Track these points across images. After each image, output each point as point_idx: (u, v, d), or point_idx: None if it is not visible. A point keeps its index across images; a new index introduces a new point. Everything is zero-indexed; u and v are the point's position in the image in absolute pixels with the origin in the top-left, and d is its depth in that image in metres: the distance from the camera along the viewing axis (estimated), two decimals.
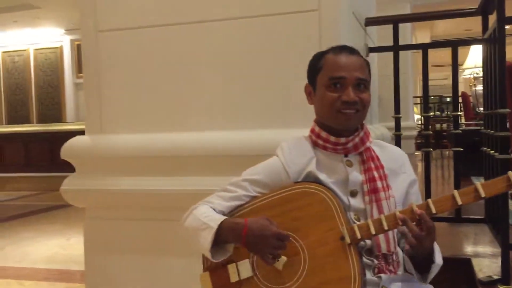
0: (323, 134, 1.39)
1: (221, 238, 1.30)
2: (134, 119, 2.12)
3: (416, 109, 9.05)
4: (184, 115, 2.06)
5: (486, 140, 2.26)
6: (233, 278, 1.33)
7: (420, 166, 6.42)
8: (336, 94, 1.33)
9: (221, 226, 1.30)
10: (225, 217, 1.33)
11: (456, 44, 2.22)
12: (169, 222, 1.85)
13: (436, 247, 1.33)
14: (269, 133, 1.87)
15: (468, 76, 6.48)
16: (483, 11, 2.29)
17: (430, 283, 1.39)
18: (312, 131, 1.44)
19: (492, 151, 2.03)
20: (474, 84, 6.15)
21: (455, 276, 2.05)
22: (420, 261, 1.29)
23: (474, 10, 2.34)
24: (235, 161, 1.75)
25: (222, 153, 1.91)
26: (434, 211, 1.21)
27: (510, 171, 1.17)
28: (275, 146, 1.47)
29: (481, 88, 5.83)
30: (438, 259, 1.31)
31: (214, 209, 1.39)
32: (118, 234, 2.12)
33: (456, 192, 1.19)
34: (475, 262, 2.03)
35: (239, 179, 1.44)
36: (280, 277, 1.29)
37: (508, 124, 3.68)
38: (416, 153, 7.62)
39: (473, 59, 5.96)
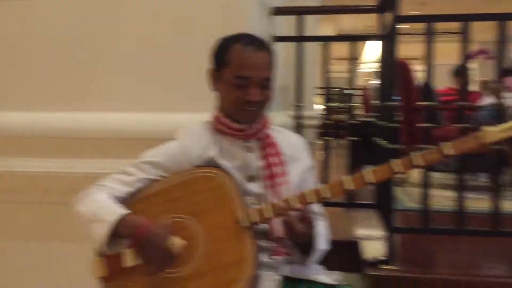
0: (225, 120, 1.41)
1: (115, 231, 1.27)
2: (27, 95, 1.98)
3: (318, 99, 9.38)
4: (82, 95, 1.97)
5: (378, 130, 2.41)
6: (128, 263, 1.31)
7: (320, 154, 6.69)
8: (240, 93, 1.34)
9: (117, 221, 1.26)
10: (123, 212, 1.29)
11: (355, 39, 2.34)
12: (64, 206, 1.76)
13: (322, 233, 1.39)
14: (169, 116, 1.84)
15: (365, 70, 6.85)
16: (381, 9, 2.42)
17: (322, 264, 1.47)
18: (214, 116, 1.44)
19: (381, 141, 2.17)
20: (371, 78, 6.52)
21: (344, 258, 2.17)
22: (302, 246, 1.35)
23: (373, 7, 2.46)
24: (134, 144, 1.69)
25: (121, 136, 1.85)
26: (325, 195, 1.27)
27: (395, 160, 1.26)
28: (175, 129, 1.46)
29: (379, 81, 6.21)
30: (321, 245, 1.37)
31: (112, 195, 1.35)
32: (9, 218, 1.98)
33: (346, 178, 1.26)
34: (363, 244, 2.16)
35: (139, 161, 1.41)
36: (177, 261, 1.29)
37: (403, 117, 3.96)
38: (317, 142, 7.91)
39: (370, 54, 6.30)
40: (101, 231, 1.26)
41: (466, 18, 1.78)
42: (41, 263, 1.98)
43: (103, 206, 1.30)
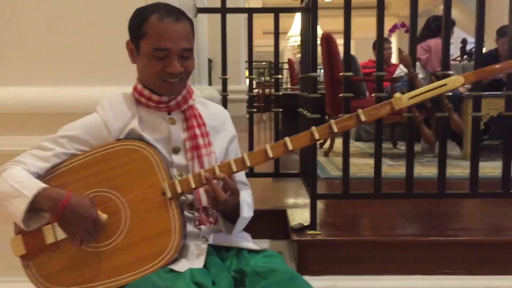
0: (146, 92, 1.39)
1: (35, 206, 1.23)
2: None
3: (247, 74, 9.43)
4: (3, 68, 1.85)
5: (302, 102, 2.47)
6: (49, 239, 1.28)
7: (248, 126, 6.76)
8: (161, 65, 1.32)
9: (37, 195, 1.22)
10: (44, 185, 1.25)
11: (277, 11, 2.36)
12: None
13: (246, 201, 1.42)
14: (88, 90, 1.78)
15: (293, 44, 6.95)
16: None
17: (251, 232, 1.51)
18: (135, 89, 1.42)
19: (305, 111, 2.24)
20: (298, 51, 6.62)
21: (273, 226, 2.24)
22: (228, 214, 1.38)
23: None
24: (51, 119, 1.64)
25: (37, 111, 1.78)
26: (248, 163, 1.29)
27: (313, 127, 1.31)
28: (95, 104, 1.42)
29: None
30: (246, 213, 1.39)
31: (28, 171, 1.30)
32: None
33: (268, 146, 1.29)
34: (289, 212, 2.23)
35: (56, 135, 1.37)
36: (102, 235, 1.28)
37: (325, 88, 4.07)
38: (247, 116, 7.99)
39: (297, 27, 6.38)
40: (20, 206, 1.21)
41: None
42: None
43: (20, 180, 1.25)
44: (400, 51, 1.66)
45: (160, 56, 1.32)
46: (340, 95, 1.95)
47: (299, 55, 6.58)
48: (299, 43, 6.43)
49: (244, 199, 1.40)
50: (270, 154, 1.29)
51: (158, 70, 1.33)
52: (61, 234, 1.28)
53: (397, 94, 1.27)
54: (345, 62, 1.97)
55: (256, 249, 1.38)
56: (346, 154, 1.93)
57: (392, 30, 6.13)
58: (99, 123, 1.37)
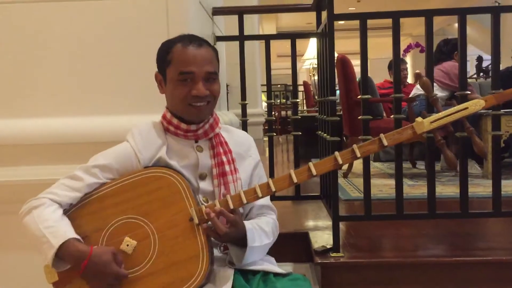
0: (175, 121, 1.43)
1: (61, 256, 1.28)
2: None
3: (264, 97, 9.54)
4: (25, 100, 1.93)
5: (320, 124, 2.50)
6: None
7: (267, 150, 6.80)
8: (186, 89, 1.37)
9: (62, 247, 1.27)
10: (70, 237, 1.29)
11: (294, 37, 2.41)
12: (8, 216, 1.73)
13: (262, 228, 1.43)
14: (118, 119, 1.85)
15: (308, 67, 7.02)
16: (317, 7, 2.52)
17: (273, 255, 1.53)
18: (164, 117, 1.46)
19: (325, 134, 2.27)
20: (313, 74, 6.67)
21: (296, 249, 2.25)
22: (239, 244, 1.38)
23: (309, 6, 2.56)
24: (81, 149, 1.70)
25: (68, 141, 1.85)
26: (273, 189, 1.32)
27: (336, 152, 1.34)
28: (125, 132, 1.47)
29: None
30: (257, 241, 1.39)
31: (60, 204, 1.35)
32: None
33: (292, 172, 1.33)
34: (312, 234, 2.24)
35: (88, 165, 1.41)
36: (130, 261, 1.31)
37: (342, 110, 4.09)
38: (264, 138, 8.05)
39: (312, 50, 6.45)
40: (48, 253, 1.27)
41: (395, 15, 1.89)
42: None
43: (49, 225, 1.30)
44: (419, 76, 1.68)
45: (185, 80, 1.37)
46: (359, 117, 1.98)
47: (315, 78, 6.65)
48: (315, 65, 6.49)
49: (253, 227, 1.41)
50: (295, 180, 1.32)
51: (184, 94, 1.37)
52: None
53: (419, 119, 1.30)
54: (363, 85, 2.00)
55: (282, 272, 1.40)
56: (367, 175, 1.95)
57: (406, 50, 6.15)
58: (129, 152, 1.41)
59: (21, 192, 1.56)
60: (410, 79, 6.98)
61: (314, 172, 1.31)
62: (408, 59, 11.71)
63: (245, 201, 1.33)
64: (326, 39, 2.04)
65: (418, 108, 3.84)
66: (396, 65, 1.94)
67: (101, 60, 1.93)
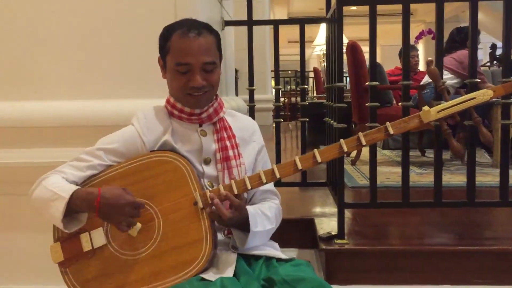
0: (178, 105, 1.44)
1: (73, 208, 1.29)
2: None
3: (274, 83, 9.50)
4: (34, 82, 1.94)
5: (328, 111, 2.49)
6: (86, 247, 1.34)
7: (275, 136, 6.79)
8: (184, 79, 1.37)
9: (73, 196, 1.28)
10: (77, 187, 1.32)
11: (303, 22, 2.39)
12: (17, 197, 1.76)
13: (264, 213, 1.43)
14: (124, 103, 1.85)
15: (318, 53, 6.97)
16: None
17: (279, 240, 1.53)
18: (168, 101, 1.47)
19: (331, 121, 2.26)
20: (324, 60, 6.62)
21: (301, 235, 2.26)
22: (242, 229, 1.39)
23: None
24: (89, 132, 1.71)
25: (76, 124, 1.85)
26: (278, 175, 1.32)
27: (342, 139, 1.33)
28: (130, 116, 1.48)
29: None
30: (260, 226, 1.39)
31: (66, 179, 1.37)
32: None
33: (297, 158, 1.32)
34: (317, 221, 2.25)
35: (93, 148, 1.43)
36: (135, 244, 1.33)
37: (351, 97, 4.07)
38: (273, 124, 8.02)
39: (323, 36, 6.40)
40: (59, 208, 1.27)
41: (405, 0, 1.86)
42: (3, 255, 1.96)
43: (57, 186, 1.32)
44: (428, 64, 1.66)
45: (182, 71, 1.37)
46: (366, 104, 1.97)
47: (324, 64, 6.60)
48: (325, 52, 6.45)
49: (256, 212, 1.41)
50: (300, 166, 1.32)
51: (182, 85, 1.38)
52: (97, 242, 1.33)
53: (426, 108, 1.29)
54: (371, 72, 1.98)
55: (285, 258, 1.40)
56: (373, 163, 1.94)
57: (418, 37, 6.07)
58: (134, 136, 1.42)
59: (26, 174, 1.58)
60: (422, 67, 6.90)
61: (319, 159, 1.31)
62: (421, 46, 11.57)
63: (249, 186, 1.33)
64: (335, 24, 2.03)
65: (429, 96, 3.81)
66: (406, 52, 1.92)
67: (106, 43, 1.93)
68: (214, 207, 1.31)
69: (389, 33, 11.86)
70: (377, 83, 1.92)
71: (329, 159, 1.34)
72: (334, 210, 2.45)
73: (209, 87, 1.40)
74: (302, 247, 2.27)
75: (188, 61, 1.35)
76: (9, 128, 1.88)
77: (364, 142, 1.31)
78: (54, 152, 1.82)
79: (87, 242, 1.33)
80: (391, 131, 1.30)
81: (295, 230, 2.23)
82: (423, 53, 12.49)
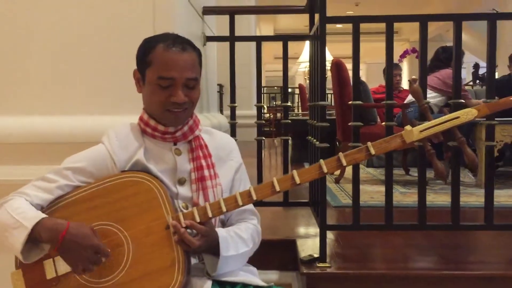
0: (152, 122, 1.37)
1: (35, 236, 1.21)
2: None
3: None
4: (1, 96, 1.85)
5: (311, 129, 2.44)
6: (50, 274, 1.25)
7: (257, 154, 6.75)
8: (165, 94, 1.31)
9: (37, 225, 1.20)
10: (43, 215, 1.23)
11: (286, 39, 2.35)
12: None
13: (239, 235, 1.36)
14: (95, 119, 1.79)
15: (303, 69, 6.96)
16: (310, 10, 2.46)
17: (259, 262, 1.46)
18: (141, 118, 1.40)
19: (314, 140, 2.20)
20: (308, 77, 6.62)
21: (283, 257, 2.19)
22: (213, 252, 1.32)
23: (303, 7, 2.50)
24: (56, 149, 1.64)
25: (42, 140, 1.77)
26: (255, 197, 1.26)
27: (322, 160, 1.27)
28: (102, 133, 1.41)
29: None
30: (230, 251, 1.31)
31: (30, 202, 1.29)
32: None
33: (275, 179, 1.26)
34: (299, 242, 2.18)
35: (60, 167, 1.35)
36: (103, 270, 1.25)
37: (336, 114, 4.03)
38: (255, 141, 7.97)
39: (307, 53, 6.41)
40: (19, 238, 1.19)
41: (389, 19, 1.83)
42: None
43: (20, 211, 1.24)
44: (411, 83, 1.63)
45: (164, 85, 1.30)
46: (349, 123, 1.92)
47: (309, 81, 6.59)
48: (308, 69, 6.44)
49: (228, 235, 1.34)
50: (277, 188, 1.26)
51: (162, 100, 1.31)
52: (61, 269, 1.25)
53: (408, 127, 1.24)
54: (354, 91, 1.94)
55: (263, 285, 1.33)
56: (356, 184, 1.89)
57: (403, 56, 6.09)
58: (104, 155, 1.35)
59: None
60: (405, 85, 6.93)
61: (297, 180, 1.25)
62: (405, 64, 11.67)
63: (224, 209, 1.27)
64: (318, 42, 1.98)
65: (413, 115, 3.79)
66: (389, 70, 1.88)
67: (82, 57, 1.86)
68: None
69: (374, 51, 11.96)
70: (359, 102, 1.88)
71: (308, 180, 1.28)
72: (317, 230, 2.39)
73: (189, 104, 1.34)
74: (283, 269, 2.20)
75: (172, 76, 1.29)
76: None
77: (344, 163, 1.26)
78: (20, 169, 1.73)
79: (51, 268, 1.25)
80: (373, 151, 1.25)
81: (276, 252, 2.16)
82: (406, 72, 12.62)
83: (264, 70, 13.41)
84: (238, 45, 2.38)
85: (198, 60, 1.37)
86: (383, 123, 1.92)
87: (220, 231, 1.33)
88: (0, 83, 1.86)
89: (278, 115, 10.02)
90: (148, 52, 1.33)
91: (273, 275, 2.19)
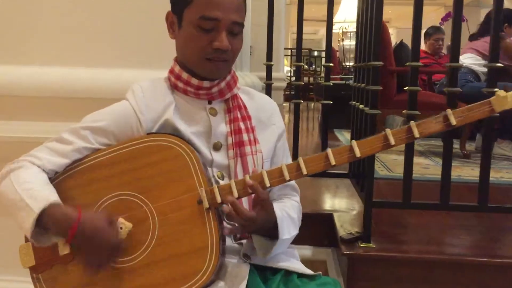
0: (184, 75, 1.16)
1: (43, 224, 1.03)
2: None
3: (286, 61, 9.21)
4: (21, 44, 1.65)
5: (356, 93, 2.20)
6: (63, 250, 1.07)
7: (287, 117, 6.56)
8: (206, 38, 1.10)
9: (44, 212, 1.02)
10: (52, 199, 1.04)
11: None
12: None
13: (290, 215, 1.18)
14: (118, 73, 1.57)
15: (337, 31, 6.62)
16: None
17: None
18: (172, 71, 1.20)
19: (361, 106, 1.97)
20: (342, 39, 6.29)
21: (317, 231, 2.02)
22: (263, 233, 1.13)
23: None
24: (73, 104, 1.45)
25: (58, 94, 1.57)
26: (305, 171, 1.05)
27: (387, 129, 1.05)
28: (124, 88, 1.20)
29: (348, 43, 6.00)
30: (287, 233, 1.14)
31: (42, 168, 1.11)
32: None
33: (329, 151, 1.05)
34: (336, 217, 2.00)
35: (78, 125, 1.16)
36: (124, 248, 1.06)
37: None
38: (284, 104, 7.76)
39: (343, 13, 6.06)
40: (27, 222, 1.01)
41: None
42: None
43: (28, 187, 1.05)
44: (502, 36, 1.37)
45: (206, 28, 1.10)
46: (405, 88, 1.68)
47: (343, 43, 6.28)
48: (345, 29, 6.11)
49: (283, 215, 1.15)
50: (333, 162, 1.04)
51: (203, 45, 1.11)
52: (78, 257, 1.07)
53: (501, 92, 1.00)
54: (413, 51, 1.68)
55: (309, 273, 1.14)
56: (409, 155, 1.67)
57: (444, 19, 5.71)
58: (128, 113, 1.15)
59: (8, 149, 1.34)
60: (446, 50, 6.54)
61: (358, 153, 1.04)
62: (446, 28, 11.14)
63: (268, 184, 1.06)
64: None
65: (472, 85, 3.50)
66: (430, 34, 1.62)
67: (105, 4, 1.64)
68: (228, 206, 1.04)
69: (404, 16, 11.45)
70: (420, 64, 1.63)
71: (370, 153, 1.06)
72: (357, 205, 2.20)
73: (231, 54, 1.14)
74: (317, 245, 2.05)
75: (217, 16, 1.08)
76: None
77: (417, 135, 1.03)
78: (38, 126, 1.55)
79: (65, 244, 1.07)
80: (453, 122, 1.02)
81: (310, 226, 1.96)
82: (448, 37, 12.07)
83: (290, 32, 13.05)
84: (262, 3, 2.10)
85: (244, 4, 1.15)
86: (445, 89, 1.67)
87: (276, 209, 1.13)
88: (17, 29, 1.66)
89: (305, 79, 9.75)
90: None
91: (306, 251, 2.03)
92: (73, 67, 1.63)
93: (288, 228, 1.15)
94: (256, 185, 1.04)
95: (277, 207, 1.15)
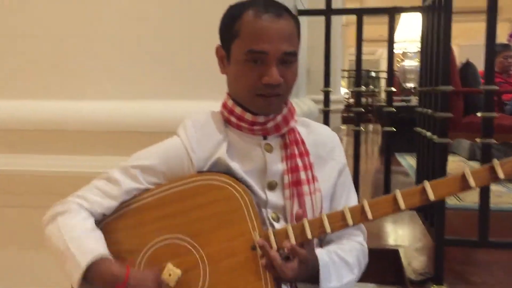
0: (238, 110, 1.09)
1: (90, 279, 0.98)
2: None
3: (344, 83, 9.05)
4: (73, 80, 1.64)
5: (422, 119, 2.05)
6: None
7: (345, 140, 6.39)
8: (256, 73, 1.03)
9: (91, 267, 0.97)
10: (100, 253, 0.99)
11: (393, 11, 1.97)
12: (46, 209, 1.49)
13: (334, 264, 1.07)
14: (172, 104, 1.52)
15: (398, 51, 6.43)
16: None
17: None
18: (224, 105, 1.12)
19: (429, 133, 1.82)
20: (402, 59, 6.08)
21: (382, 267, 1.88)
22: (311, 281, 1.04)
23: None
24: (122, 138, 1.41)
25: (111, 128, 1.54)
26: (370, 217, 0.94)
27: (467, 169, 0.92)
28: (175, 121, 1.15)
29: (409, 63, 5.78)
30: (331, 282, 1.04)
31: (90, 212, 1.06)
32: None
33: (398, 193, 0.93)
34: (403, 253, 1.86)
35: (127, 164, 1.10)
36: None
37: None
38: (341, 127, 7.60)
39: (402, 33, 5.86)
40: (74, 277, 0.97)
41: None
42: (23, 271, 1.70)
43: (75, 236, 1.01)
44: None
45: (254, 61, 1.02)
46: (478, 113, 1.53)
47: (403, 63, 6.06)
48: (405, 50, 5.90)
49: (331, 260, 1.05)
50: (402, 206, 0.92)
51: (252, 81, 1.03)
52: None
53: None
54: (486, 74, 1.54)
55: None
56: (485, 189, 1.51)
57: None
58: (180, 150, 1.09)
59: (61, 184, 1.34)
60: None
61: (432, 196, 0.91)
62: None
63: (328, 229, 0.96)
64: (438, 13, 1.60)
65: None
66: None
67: (155, 35, 1.61)
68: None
69: (467, 32, 11.02)
70: (495, 87, 1.48)
71: (445, 196, 0.94)
72: (423, 238, 2.04)
73: (285, 87, 1.05)
74: (381, 283, 1.89)
75: (265, 49, 1.01)
76: (35, 131, 1.61)
77: (501, 176, 0.90)
78: (89, 161, 1.53)
79: None
80: None
81: (373, 261, 1.82)
82: None
83: (347, 53, 12.90)
84: (318, 24, 2.01)
85: (297, 30, 1.07)
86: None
87: (321, 254, 1.03)
88: (67, 65, 1.66)
89: (363, 100, 9.54)
90: (235, 20, 1.05)
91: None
92: (122, 100, 1.61)
93: (338, 273, 1.05)
94: (293, 247, 0.96)
95: (327, 251, 1.06)
